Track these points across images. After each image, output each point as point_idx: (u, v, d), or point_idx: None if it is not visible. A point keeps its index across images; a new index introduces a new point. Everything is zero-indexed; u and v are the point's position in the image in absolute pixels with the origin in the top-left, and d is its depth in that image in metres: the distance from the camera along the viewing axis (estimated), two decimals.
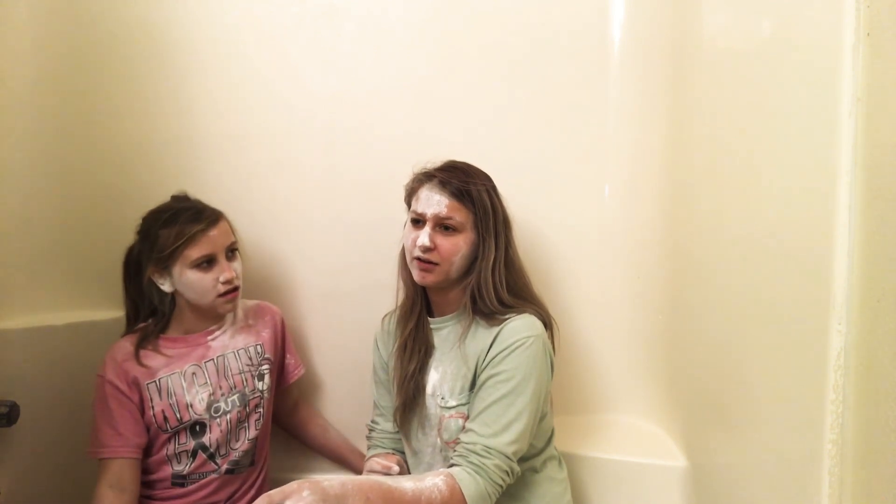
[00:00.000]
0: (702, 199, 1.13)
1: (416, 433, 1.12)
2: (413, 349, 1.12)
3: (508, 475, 0.97)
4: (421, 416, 1.11)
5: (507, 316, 1.04)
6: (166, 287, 1.17)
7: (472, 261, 1.08)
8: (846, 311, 0.71)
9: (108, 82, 1.40)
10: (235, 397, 1.22)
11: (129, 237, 1.20)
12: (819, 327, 0.74)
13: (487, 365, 1.02)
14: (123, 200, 1.34)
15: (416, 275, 1.08)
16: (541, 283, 1.21)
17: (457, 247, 1.06)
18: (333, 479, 0.86)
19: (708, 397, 1.12)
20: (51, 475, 1.30)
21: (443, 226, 1.06)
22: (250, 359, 1.26)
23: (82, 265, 1.41)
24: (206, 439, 1.19)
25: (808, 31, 0.78)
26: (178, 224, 1.13)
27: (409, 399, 1.11)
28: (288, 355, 1.36)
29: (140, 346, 1.18)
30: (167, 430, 1.17)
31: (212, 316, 1.23)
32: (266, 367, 1.28)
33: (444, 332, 1.12)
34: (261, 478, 1.28)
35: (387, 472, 1.10)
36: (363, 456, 1.27)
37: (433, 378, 1.11)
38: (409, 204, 1.12)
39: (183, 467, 1.18)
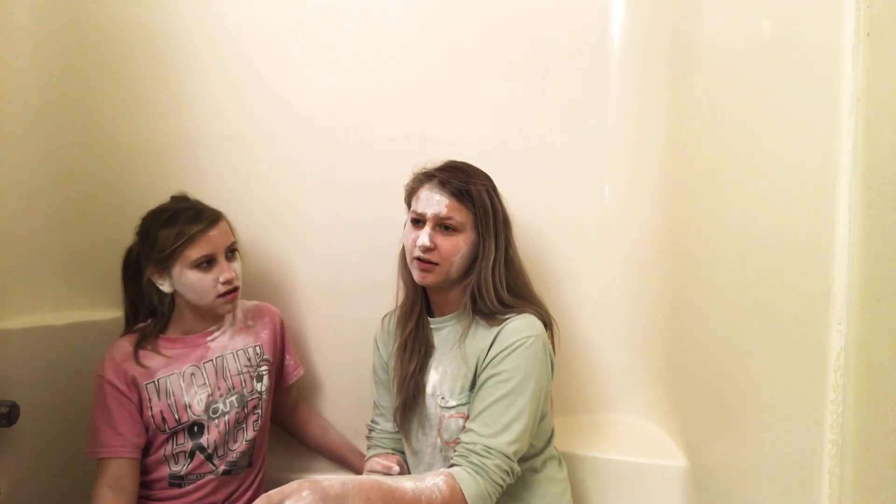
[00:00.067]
0: (702, 199, 1.13)
1: (416, 433, 1.12)
2: (413, 349, 1.12)
3: (509, 475, 0.97)
4: (421, 416, 1.11)
5: (507, 316, 1.04)
6: (166, 287, 1.17)
7: (472, 261, 1.08)
8: (846, 311, 0.71)
9: (108, 82, 1.40)
10: (234, 398, 1.22)
11: (128, 237, 1.20)
12: (819, 327, 0.74)
13: (487, 365, 1.02)
14: (123, 200, 1.34)
15: (416, 275, 1.08)
16: (541, 283, 1.21)
17: (457, 247, 1.06)
18: (333, 479, 0.85)
19: (708, 397, 1.12)
20: (51, 475, 1.30)
21: (443, 226, 1.06)
22: (249, 360, 1.26)
23: (82, 265, 1.41)
24: (203, 440, 1.19)
25: (808, 31, 0.78)
26: (178, 224, 1.13)
27: (409, 399, 1.11)
28: (287, 356, 1.36)
29: (139, 346, 1.18)
30: (165, 430, 1.17)
31: (211, 316, 1.23)
32: (265, 368, 1.28)
33: (444, 332, 1.12)
34: (258, 479, 1.28)
35: (387, 472, 1.10)
36: (363, 456, 1.27)
37: (433, 378, 1.11)
38: (408, 204, 1.12)
39: (180, 468, 1.18)
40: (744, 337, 0.96)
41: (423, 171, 1.11)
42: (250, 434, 1.24)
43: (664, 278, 1.31)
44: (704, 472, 1.16)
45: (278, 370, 1.34)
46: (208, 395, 1.19)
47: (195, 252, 1.13)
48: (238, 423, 1.22)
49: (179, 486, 1.18)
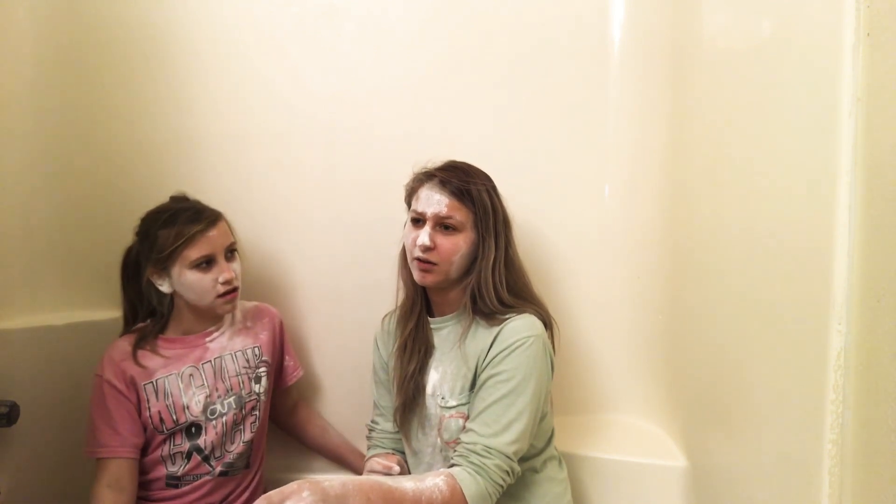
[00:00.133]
0: (702, 199, 1.13)
1: (416, 433, 1.12)
2: (413, 349, 1.12)
3: (509, 475, 0.97)
4: (421, 416, 1.11)
5: (507, 316, 1.04)
6: (165, 288, 1.17)
7: (472, 261, 1.08)
8: (846, 311, 0.71)
9: (108, 82, 1.40)
10: (232, 399, 1.22)
11: (128, 237, 1.20)
12: (819, 327, 0.74)
13: (488, 365, 1.02)
14: (123, 200, 1.34)
15: (417, 275, 1.08)
16: (541, 283, 1.21)
17: (456, 246, 1.06)
18: (334, 480, 0.86)
19: (708, 397, 1.12)
20: (50, 475, 1.30)
21: (443, 225, 1.06)
22: (247, 361, 1.26)
23: (82, 265, 1.41)
24: (201, 441, 1.19)
25: (808, 31, 0.78)
26: (178, 225, 1.13)
27: (409, 399, 1.11)
28: (287, 357, 1.36)
29: (138, 346, 1.18)
30: (163, 431, 1.17)
31: (211, 317, 1.23)
32: (263, 369, 1.28)
33: (444, 332, 1.12)
34: (256, 480, 1.28)
35: (387, 472, 1.10)
36: (363, 456, 1.27)
37: (433, 378, 1.11)
38: (409, 204, 1.12)
39: (177, 468, 1.18)
40: (744, 337, 0.96)
41: (424, 170, 1.11)
42: (248, 435, 1.24)
43: (664, 278, 1.31)
44: (704, 472, 1.16)
45: (277, 371, 1.34)
46: (206, 397, 1.19)
47: (194, 252, 1.13)
48: (236, 425, 1.22)
49: (176, 486, 1.18)
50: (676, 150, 1.26)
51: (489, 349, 1.03)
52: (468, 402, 1.05)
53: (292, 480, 0.84)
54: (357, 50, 1.37)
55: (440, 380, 1.10)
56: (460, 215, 1.06)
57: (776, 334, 0.85)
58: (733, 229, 0.99)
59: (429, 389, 1.10)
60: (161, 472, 1.18)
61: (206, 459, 1.19)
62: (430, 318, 1.14)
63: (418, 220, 1.08)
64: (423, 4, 1.36)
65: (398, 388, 1.14)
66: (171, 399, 1.17)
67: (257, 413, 1.26)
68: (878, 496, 0.67)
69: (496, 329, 1.03)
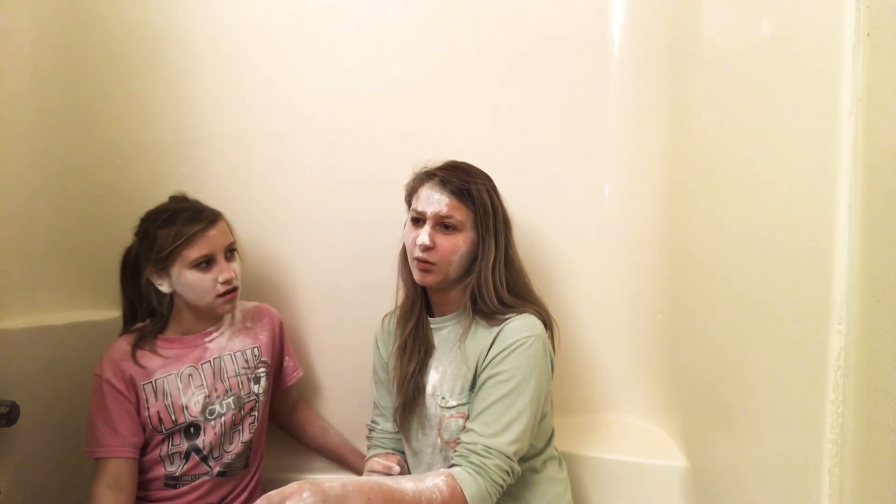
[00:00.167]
0: (702, 199, 1.13)
1: (416, 433, 1.12)
2: (413, 349, 1.12)
3: (509, 475, 0.97)
4: (421, 416, 1.11)
5: (507, 316, 1.04)
6: (164, 288, 1.17)
7: (472, 260, 1.08)
8: (846, 311, 0.71)
9: (108, 82, 1.40)
10: (230, 400, 1.22)
11: (128, 237, 1.20)
12: (819, 327, 0.74)
13: (488, 365, 1.02)
14: (123, 200, 1.34)
15: (417, 275, 1.08)
16: (541, 283, 1.21)
17: (456, 246, 1.06)
18: (334, 480, 0.86)
19: (708, 397, 1.12)
20: (50, 475, 1.30)
21: (443, 224, 1.06)
22: (247, 361, 1.26)
23: (82, 265, 1.41)
24: (199, 441, 1.19)
25: (808, 31, 0.78)
26: (177, 224, 1.13)
27: (409, 399, 1.11)
28: (286, 358, 1.36)
29: (137, 346, 1.18)
30: (162, 431, 1.17)
31: (210, 317, 1.23)
32: (262, 370, 1.27)
33: (444, 331, 1.12)
34: (254, 480, 1.28)
35: (387, 473, 1.10)
36: (363, 456, 1.27)
37: (433, 378, 1.11)
38: (409, 203, 1.12)
39: (175, 468, 1.18)
40: (744, 337, 0.96)
41: (424, 170, 1.11)
42: (246, 436, 1.24)
43: (664, 278, 1.31)
44: (704, 472, 1.16)
45: (277, 372, 1.34)
46: (205, 397, 1.19)
47: (194, 252, 1.13)
48: (234, 425, 1.22)
49: (174, 486, 1.18)
50: (676, 150, 1.26)
51: (489, 349, 1.03)
52: (468, 402, 1.05)
53: (292, 481, 0.84)
54: (357, 50, 1.37)
55: (440, 380, 1.10)
56: (460, 215, 1.06)
57: (776, 334, 0.85)
58: (733, 229, 0.99)
59: (429, 389, 1.10)
60: (159, 472, 1.18)
61: (204, 460, 1.19)
62: (430, 318, 1.14)
63: (418, 220, 1.08)
64: (423, 4, 1.36)
65: (398, 388, 1.14)
66: (170, 399, 1.17)
67: (256, 414, 1.25)
68: (878, 496, 0.67)
69: (496, 329, 1.03)
